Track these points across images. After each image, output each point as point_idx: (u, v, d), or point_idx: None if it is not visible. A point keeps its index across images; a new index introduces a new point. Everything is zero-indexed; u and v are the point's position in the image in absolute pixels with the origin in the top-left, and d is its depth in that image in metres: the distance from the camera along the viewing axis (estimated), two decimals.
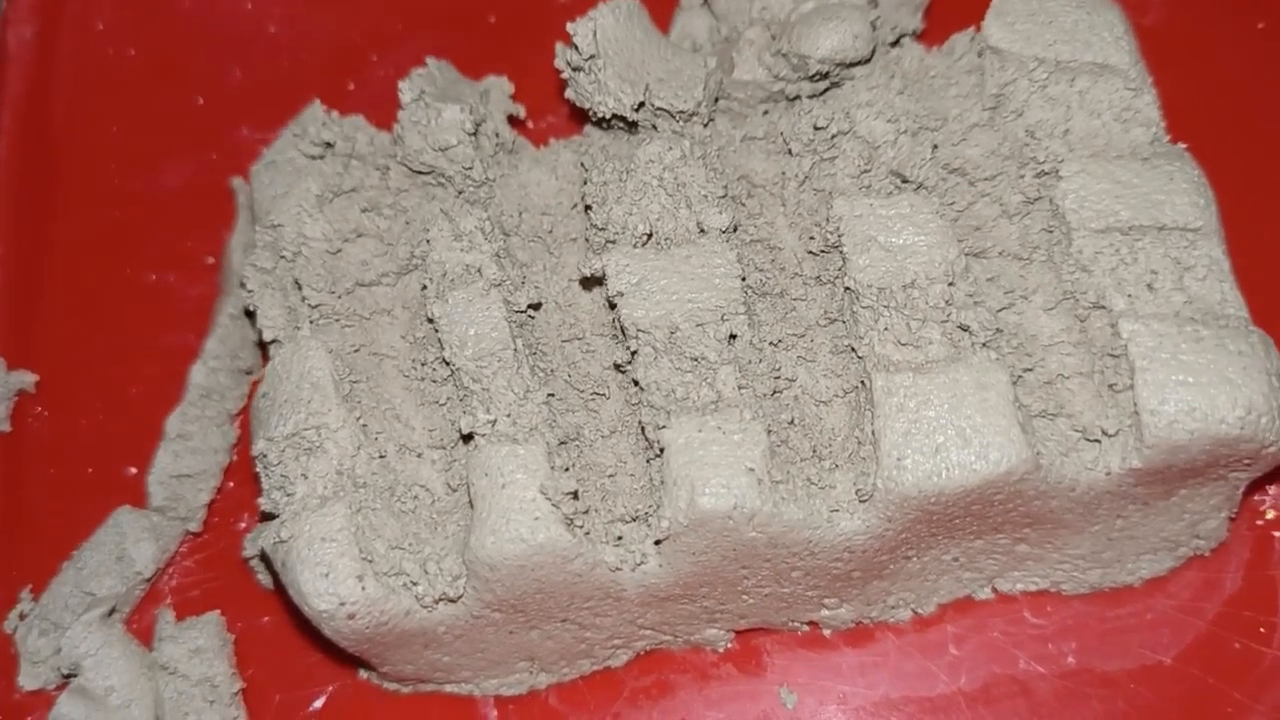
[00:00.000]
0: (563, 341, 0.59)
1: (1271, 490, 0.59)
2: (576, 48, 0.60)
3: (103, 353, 0.65)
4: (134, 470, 0.63)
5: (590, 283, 0.59)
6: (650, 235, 0.57)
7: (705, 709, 0.58)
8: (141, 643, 0.59)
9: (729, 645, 0.59)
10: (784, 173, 0.60)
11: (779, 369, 0.55)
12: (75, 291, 0.67)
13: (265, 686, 0.60)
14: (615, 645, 0.59)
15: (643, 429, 0.55)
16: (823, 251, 0.58)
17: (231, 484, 0.64)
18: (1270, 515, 0.59)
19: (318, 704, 0.60)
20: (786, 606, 0.57)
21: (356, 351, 0.59)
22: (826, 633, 0.59)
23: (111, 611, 0.59)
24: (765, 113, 0.63)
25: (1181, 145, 0.57)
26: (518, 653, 0.58)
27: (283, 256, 0.59)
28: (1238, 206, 0.62)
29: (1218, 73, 0.68)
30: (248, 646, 0.61)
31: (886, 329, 0.54)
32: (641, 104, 0.61)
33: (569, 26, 0.60)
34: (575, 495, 0.53)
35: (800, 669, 0.59)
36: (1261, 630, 0.57)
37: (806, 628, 0.59)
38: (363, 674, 0.60)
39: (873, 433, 0.53)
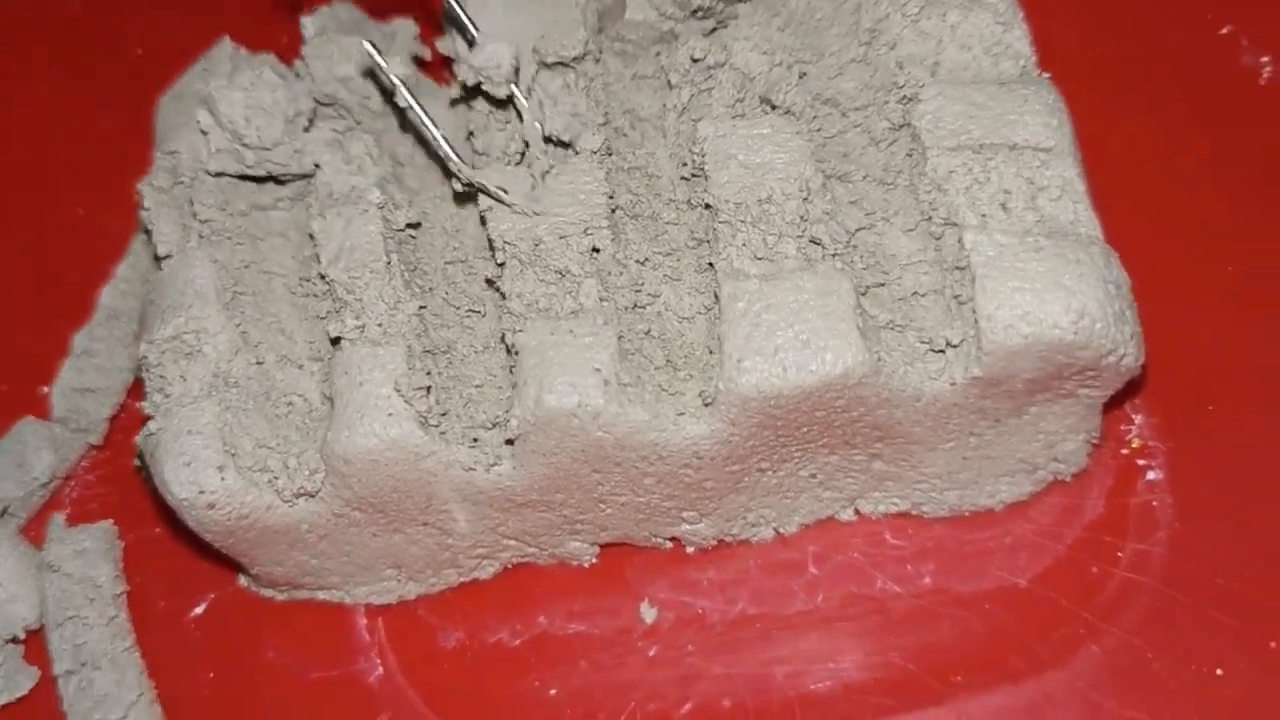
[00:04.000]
0: (446, 263, 0.60)
1: (1137, 419, 0.58)
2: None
3: (24, 277, 0.67)
4: (46, 389, 0.64)
5: (465, 199, 0.60)
6: (523, 155, 0.58)
7: (567, 621, 0.58)
8: (35, 546, 0.60)
9: (593, 560, 0.59)
10: (665, 105, 0.61)
11: (641, 284, 0.55)
12: (6, 221, 0.69)
13: (150, 593, 0.60)
14: (480, 555, 0.58)
15: (503, 337, 0.55)
16: (693, 176, 0.58)
17: (137, 403, 0.65)
18: (1135, 444, 0.58)
19: (198, 610, 0.60)
20: (646, 519, 0.57)
21: (246, 267, 0.59)
22: (689, 549, 0.58)
23: (4, 514, 0.60)
24: (657, 54, 0.64)
25: (1045, 75, 0.57)
26: (384, 558, 0.58)
27: (180, 181, 0.61)
28: (1108, 138, 0.62)
29: (1116, 23, 0.68)
30: (138, 556, 0.61)
31: (744, 244, 0.54)
32: (537, 70, 0.61)
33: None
34: (428, 391, 0.53)
35: (661, 584, 0.58)
36: (1119, 555, 0.55)
37: (669, 544, 0.58)
38: (241, 581, 0.60)
39: (718, 338, 0.52)
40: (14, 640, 0.58)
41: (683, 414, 0.53)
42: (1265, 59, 0.65)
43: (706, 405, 0.52)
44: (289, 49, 0.71)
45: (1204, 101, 0.64)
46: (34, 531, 0.61)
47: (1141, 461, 0.57)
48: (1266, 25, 0.65)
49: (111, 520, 0.62)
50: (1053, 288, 0.50)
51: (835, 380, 0.50)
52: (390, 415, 0.53)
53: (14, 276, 0.68)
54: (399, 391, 0.53)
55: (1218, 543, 0.55)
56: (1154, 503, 0.56)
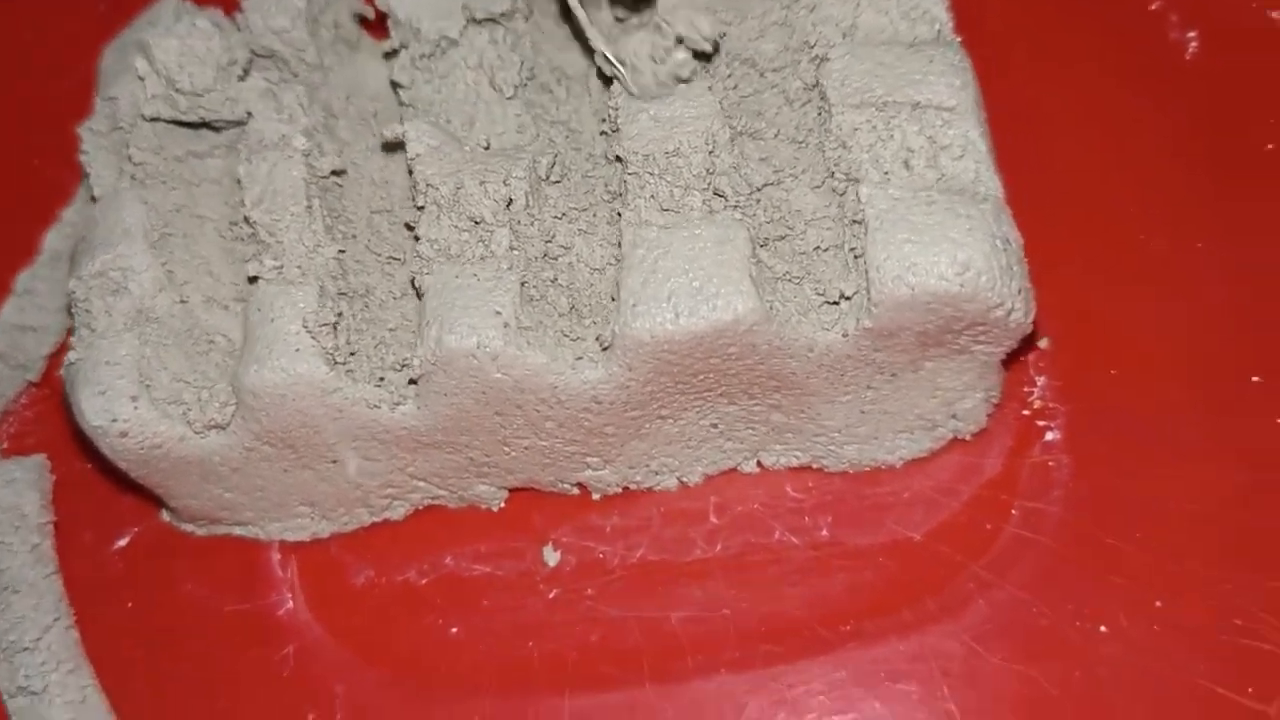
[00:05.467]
0: (372, 212, 0.61)
1: (1040, 381, 0.58)
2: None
3: None
4: None
5: (392, 148, 0.60)
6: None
7: (473, 562, 0.58)
8: None
9: (502, 504, 0.59)
10: (590, 64, 0.61)
11: (553, 235, 0.56)
12: None
13: (78, 526, 0.61)
14: (390, 495, 0.59)
15: (413, 280, 0.56)
16: (611, 131, 0.59)
17: None
18: (1037, 404, 0.57)
19: (122, 542, 0.61)
20: (551, 463, 0.57)
21: (177, 211, 0.60)
22: (595, 496, 0.59)
23: None
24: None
25: (957, 39, 0.57)
26: (296, 495, 0.58)
27: (119, 127, 0.62)
28: (1030, 106, 0.62)
29: None
30: (69, 490, 0.62)
31: (652, 196, 0.54)
32: (466, 24, 0.62)
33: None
34: (335, 329, 0.54)
35: (566, 529, 0.58)
36: (1014, 513, 0.55)
37: (576, 490, 0.59)
38: (163, 515, 0.61)
39: (617, 284, 0.53)
40: None
41: (581, 358, 0.53)
42: (1192, 34, 0.64)
43: (604, 349, 0.53)
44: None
45: (1129, 73, 0.64)
46: None
47: (1041, 422, 0.57)
48: (1194, 1, 0.65)
49: (45, 455, 0.63)
50: (940, 240, 0.50)
51: (726, 326, 0.51)
52: (298, 351, 0.54)
53: None
54: (307, 328, 0.54)
55: (1110, 503, 0.55)
56: (1050, 463, 0.56)
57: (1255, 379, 0.56)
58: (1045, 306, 0.58)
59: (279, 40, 0.62)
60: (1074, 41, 0.66)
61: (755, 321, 0.51)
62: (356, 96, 0.63)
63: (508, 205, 0.55)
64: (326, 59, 0.63)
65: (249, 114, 0.60)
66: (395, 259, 0.59)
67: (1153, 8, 0.65)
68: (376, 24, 0.70)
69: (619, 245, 0.55)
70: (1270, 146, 0.61)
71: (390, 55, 0.62)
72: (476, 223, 0.55)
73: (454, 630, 0.57)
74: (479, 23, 0.61)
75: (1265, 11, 0.64)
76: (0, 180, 0.69)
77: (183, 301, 0.58)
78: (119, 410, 0.54)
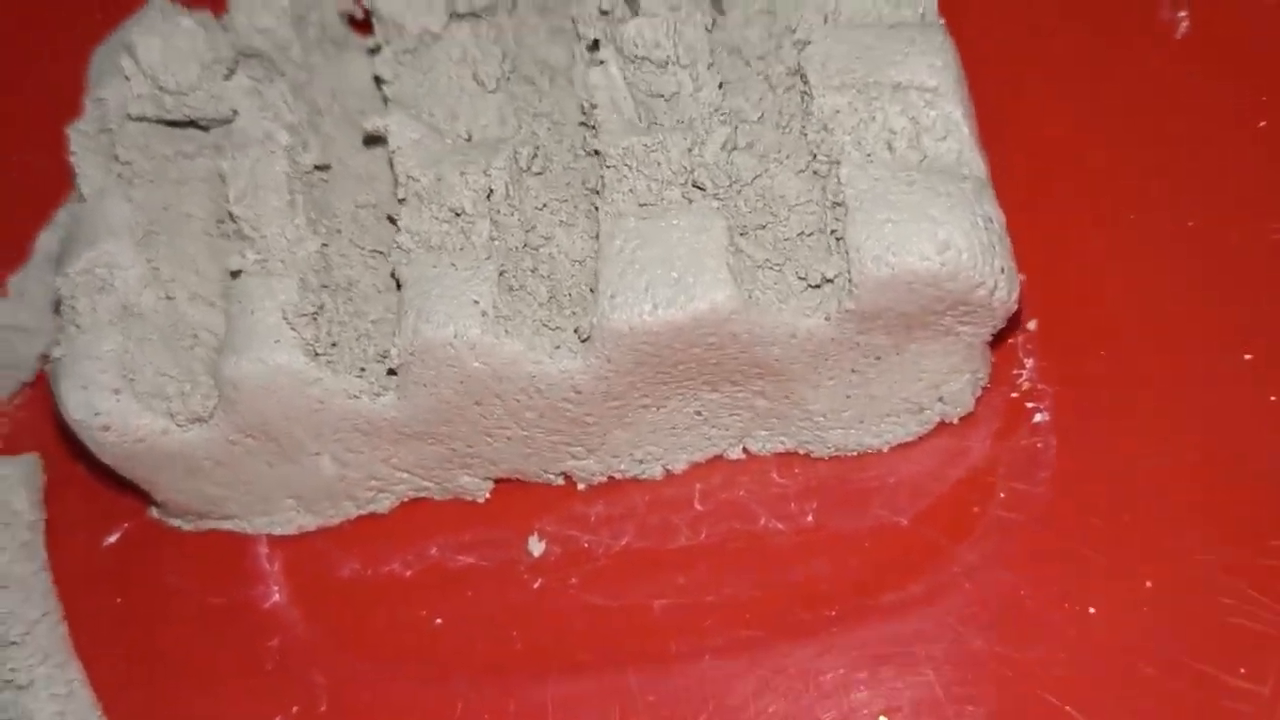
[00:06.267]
0: (357, 207, 0.60)
1: (1028, 363, 0.57)
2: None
3: None
4: None
5: (374, 141, 0.60)
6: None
7: (456, 552, 0.57)
8: None
9: (486, 496, 0.59)
10: (574, 56, 0.61)
11: (534, 226, 0.55)
12: None
13: (69, 523, 0.61)
14: (375, 488, 0.58)
15: (393, 272, 0.55)
16: (590, 125, 0.58)
17: None
18: (1025, 387, 0.56)
19: (112, 539, 0.61)
20: (534, 453, 0.57)
21: (164, 209, 0.60)
22: (580, 486, 0.58)
23: None
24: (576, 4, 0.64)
25: (941, 20, 0.57)
26: (281, 489, 0.58)
27: (108, 127, 0.62)
28: (1016, 86, 0.61)
29: None
30: (61, 488, 0.62)
31: (630, 190, 0.54)
32: (448, 19, 0.62)
33: None
34: (315, 319, 0.54)
35: (550, 519, 0.57)
36: (1001, 495, 0.54)
37: (561, 480, 0.58)
38: (152, 512, 0.61)
39: (595, 275, 0.52)
40: None
41: (559, 347, 0.52)
42: (1183, 14, 0.63)
43: (583, 340, 0.52)
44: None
45: (1119, 52, 0.63)
46: None
47: (1030, 404, 0.56)
48: None
49: (37, 454, 0.63)
50: (920, 218, 0.49)
51: (704, 316, 0.50)
52: (277, 342, 0.53)
53: None
54: (287, 319, 0.54)
55: (1097, 485, 0.53)
56: (1039, 444, 0.55)
57: (1247, 357, 0.55)
58: (1033, 288, 0.58)
59: (264, 39, 0.62)
60: (1062, 20, 0.64)
61: (734, 310, 0.50)
62: (343, 94, 0.63)
63: (488, 196, 0.55)
64: (312, 57, 0.63)
65: (234, 112, 0.60)
66: (379, 252, 0.59)
67: None
68: (365, 23, 0.70)
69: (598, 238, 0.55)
70: (1263, 123, 0.60)
71: (374, 51, 0.62)
72: (457, 214, 0.55)
73: (438, 621, 0.56)
74: (461, 17, 0.60)
75: None
76: (20, 188, 0.70)
77: (168, 298, 0.58)
78: (101, 404, 0.54)
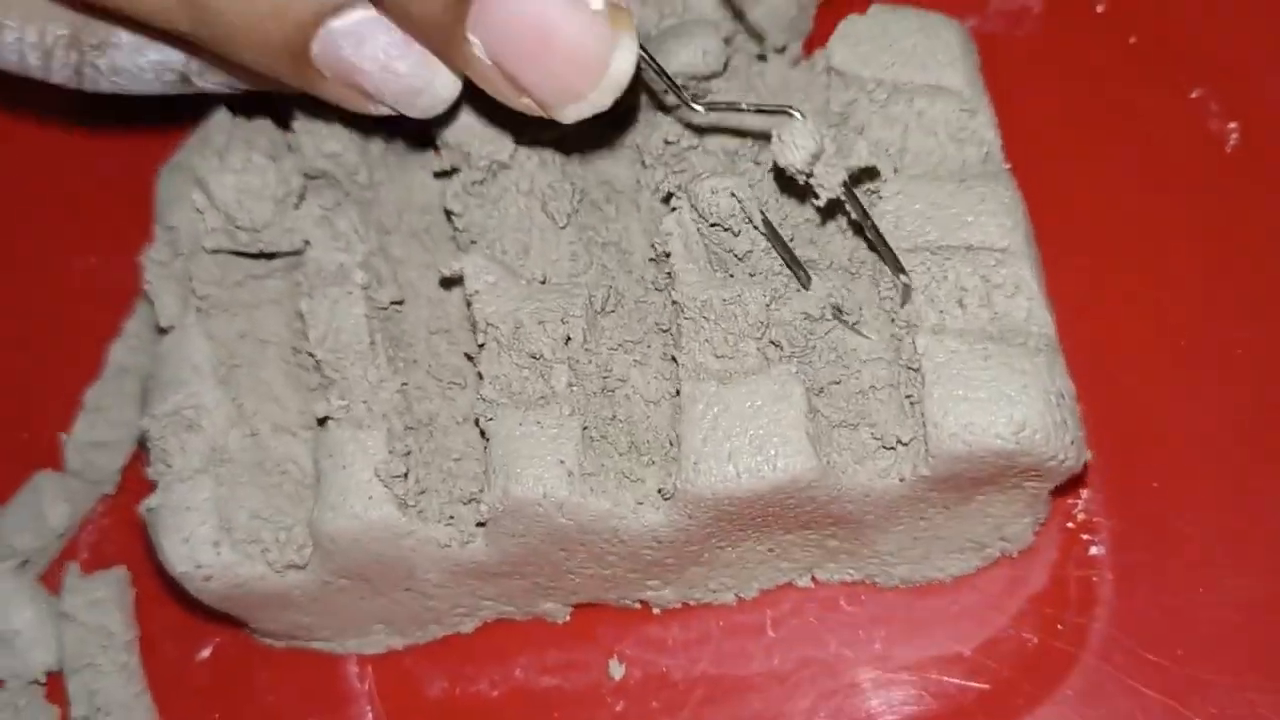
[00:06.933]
0: (430, 333, 0.61)
1: (1084, 494, 0.59)
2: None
3: (39, 329, 0.70)
4: (64, 436, 0.67)
5: (451, 283, 0.61)
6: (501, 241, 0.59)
7: (540, 674, 0.60)
8: (54, 594, 0.64)
9: (567, 618, 0.61)
10: (639, 181, 0.61)
11: (610, 369, 0.57)
12: (19, 269, 0.71)
13: (161, 635, 0.63)
14: (461, 614, 0.61)
15: (476, 421, 0.57)
16: (661, 258, 0.59)
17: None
18: (1081, 517, 0.59)
19: (205, 653, 0.63)
20: (613, 585, 0.59)
21: (242, 338, 0.61)
22: (656, 611, 0.61)
23: (25, 564, 0.63)
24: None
25: (1006, 166, 0.57)
26: (371, 617, 0.61)
27: (180, 254, 0.62)
28: (1071, 203, 0.62)
29: (1085, 84, 0.67)
30: (151, 598, 0.64)
31: (707, 341, 0.55)
32: (515, 148, 0.62)
33: None
34: (406, 475, 0.56)
35: (630, 642, 0.60)
36: (1059, 627, 0.57)
37: (638, 605, 0.61)
38: (246, 629, 0.64)
39: (678, 435, 0.54)
40: (36, 682, 0.62)
41: (642, 503, 0.54)
42: (1232, 125, 0.64)
43: (665, 499, 0.54)
44: None
45: (1168, 165, 0.64)
46: (53, 578, 0.64)
47: (1086, 536, 0.58)
48: (1237, 90, 0.65)
49: (125, 566, 0.65)
50: (996, 398, 0.51)
51: (785, 485, 0.52)
52: (371, 499, 0.55)
53: (30, 328, 0.70)
54: (379, 477, 0.55)
55: (1152, 620, 0.56)
56: (1094, 578, 0.58)
57: None
58: (1090, 417, 0.59)
59: (332, 163, 0.62)
60: (1111, 131, 0.65)
61: (813, 480, 0.52)
62: (408, 211, 0.63)
63: (566, 342, 0.56)
64: (377, 175, 0.63)
65: (306, 243, 0.61)
66: (456, 384, 0.60)
67: (1193, 96, 0.65)
68: None
69: (671, 380, 0.56)
70: None
71: (441, 175, 0.62)
72: (536, 358, 0.56)
73: None
74: (528, 145, 0.61)
75: None
76: (61, 297, 0.70)
77: (253, 434, 0.59)
78: (202, 557, 0.56)
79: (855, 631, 0.58)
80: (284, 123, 0.62)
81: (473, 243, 0.60)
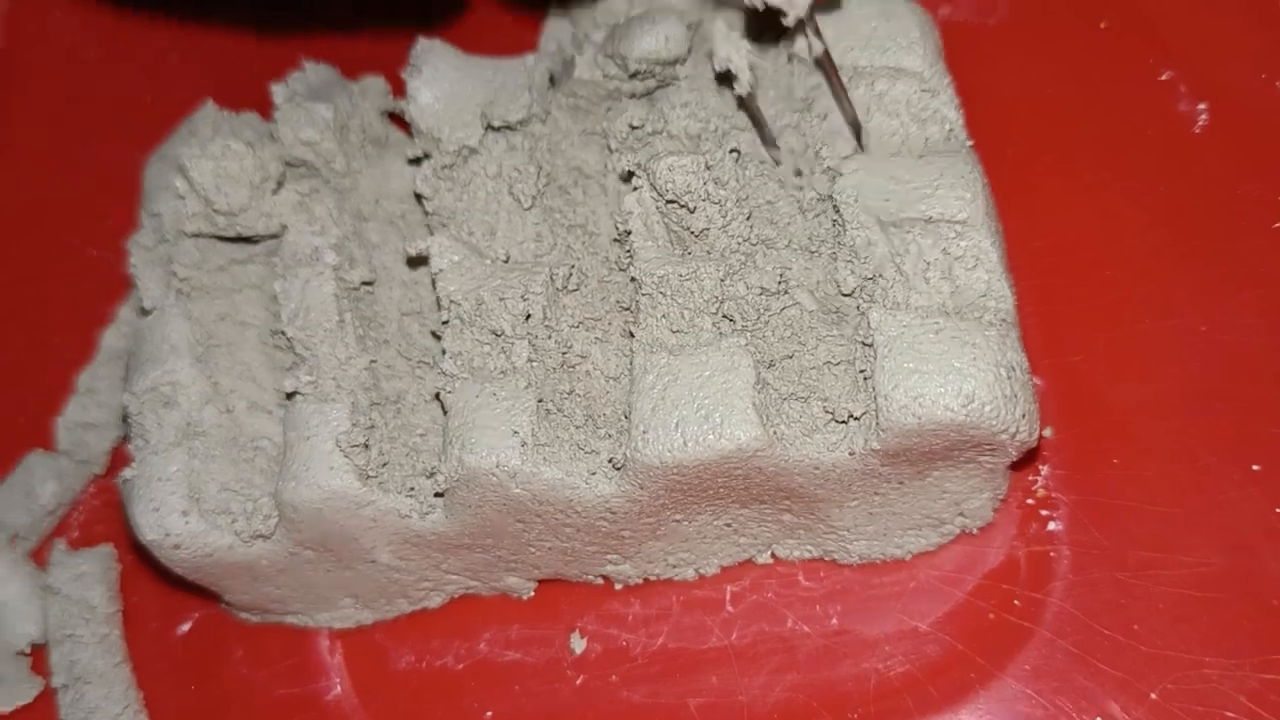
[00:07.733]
0: (402, 315, 0.63)
1: (1043, 470, 0.58)
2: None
3: (34, 314, 0.72)
4: (55, 420, 0.69)
5: (417, 262, 0.62)
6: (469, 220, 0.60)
7: (504, 648, 0.61)
8: (43, 569, 0.66)
9: (531, 593, 0.62)
10: (606, 165, 0.63)
11: (571, 345, 0.58)
12: (15, 257, 0.74)
13: (143, 613, 0.65)
14: (427, 588, 0.62)
15: (438, 395, 0.58)
16: (622, 239, 0.60)
17: None
18: (1040, 494, 0.58)
19: (184, 628, 0.64)
20: (574, 560, 0.60)
21: (220, 320, 0.63)
22: (618, 586, 0.61)
23: (14, 539, 0.65)
24: (608, 109, 0.65)
25: (969, 143, 0.58)
26: (339, 590, 0.62)
27: (164, 239, 0.64)
28: (1038, 184, 0.62)
29: (1056, 70, 0.67)
30: (135, 576, 0.65)
31: (664, 316, 0.56)
32: (484, 133, 0.63)
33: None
34: (367, 446, 0.57)
35: (591, 618, 0.60)
36: (1016, 603, 0.56)
37: (600, 581, 0.61)
38: (222, 604, 0.65)
39: (629, 407, 0.55)
40: (22, 653, 0.63)
41: (594, 473, 0.55)
42: (1201, 106, 0.64)
43: (616, 469, 0.55)
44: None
45: (1136, 146, 0.64)
46: (43, 555, 0.66)
47: (1044, 512, 0.58)
48: (1206, 72, 0.64)
49: (111, 544, 0.66)
50: (945, 371, 0.51)
51: (730, 454, 0.52)
52: (332, 469, 0.56)
53: (26, 315, 0.72)
54: (340, 447, 0.56)
55: (1107, 595, 0.55)
56: (1052, 553, 0.57)
57: (1255, 467, 0.57)
58: (1050, 394, 0.59)
59: (310, 151, 0.64)
60: (1080, 113, 0.65)
61: (759, 449, 0.52)
62: (385, 199, 0.65)
63: (526, 319, 0.57)
64: (355, 163, 0.65)
65: (283, 227, 0.63)
66: (425, 363, 0.61)
67: (1162, 78, 0.65)
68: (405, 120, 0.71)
69: (631, 358, 0.57)
70: (1278, 224, 0.61)
71: (414, 162, 0.64)
72: (497, 335, 0.57)
73: (488, 714, 0.60)
74: (496, 130, 0.62)
75: (1276, 83, 0.63)
76: (57, 281, 0.72)
77: (228, 411, 0.61)
78: (171, 525, 0.57)
79: (813, 607, 0.58)
80: (267, 114, 0.64)
81: (443, 225, 0.61)
